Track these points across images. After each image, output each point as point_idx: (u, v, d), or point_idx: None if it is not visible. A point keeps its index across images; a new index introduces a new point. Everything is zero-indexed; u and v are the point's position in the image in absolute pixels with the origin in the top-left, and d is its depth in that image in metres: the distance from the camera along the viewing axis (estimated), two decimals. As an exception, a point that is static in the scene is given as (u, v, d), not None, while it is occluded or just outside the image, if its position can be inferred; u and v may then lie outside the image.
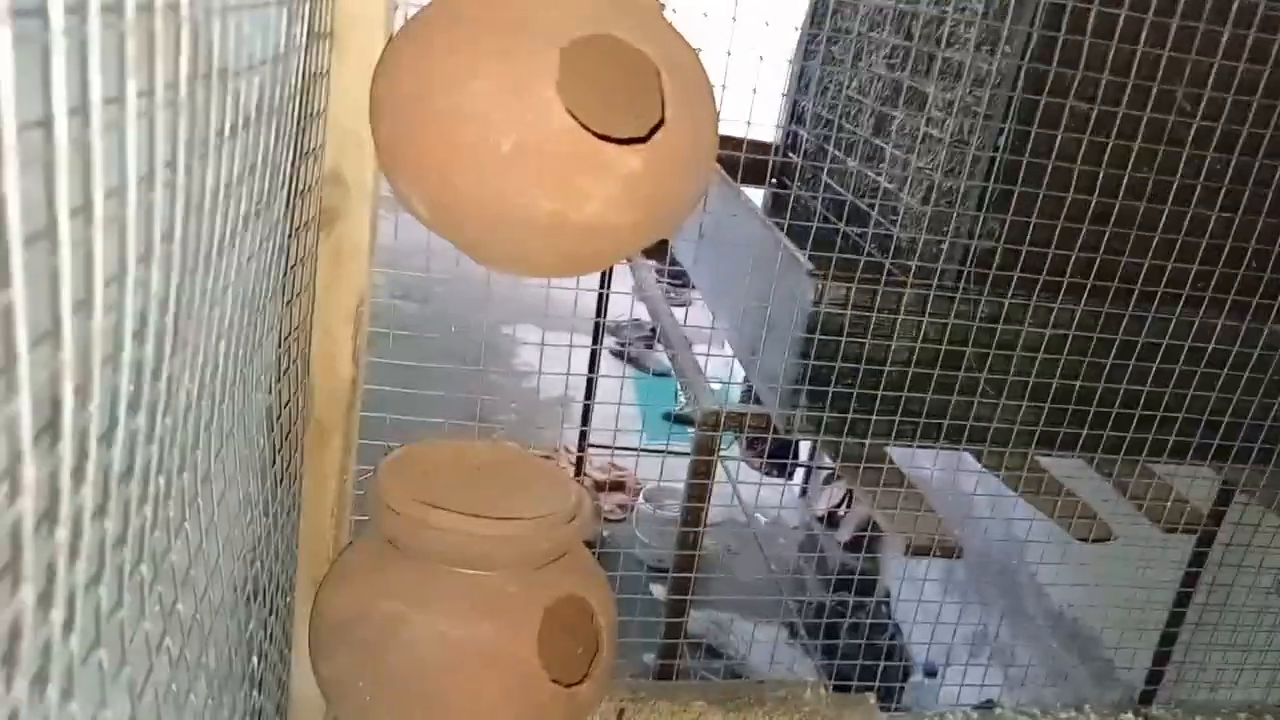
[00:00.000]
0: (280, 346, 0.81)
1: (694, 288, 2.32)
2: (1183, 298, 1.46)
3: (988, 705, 2.63)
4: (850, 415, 1.49)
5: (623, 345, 4.27)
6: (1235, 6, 1.28)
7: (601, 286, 2.60)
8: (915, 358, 1.46)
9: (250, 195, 0.63)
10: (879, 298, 1.42)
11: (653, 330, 4.52)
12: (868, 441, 1.53)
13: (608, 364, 4.09)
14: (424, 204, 0.75)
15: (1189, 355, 1.51)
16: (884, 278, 1.45)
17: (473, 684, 0.85)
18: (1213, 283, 1.47)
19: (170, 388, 0.52)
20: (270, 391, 0.79)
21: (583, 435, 3.13)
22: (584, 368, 3.12)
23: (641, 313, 4.90)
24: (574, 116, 0.69)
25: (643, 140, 0.71)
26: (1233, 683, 1.82)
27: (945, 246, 1.46)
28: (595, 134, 0.70)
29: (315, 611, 0.92)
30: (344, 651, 0.87)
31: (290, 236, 0.78)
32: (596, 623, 0.95)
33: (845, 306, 1.41)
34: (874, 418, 1.48)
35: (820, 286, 1.42)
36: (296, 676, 1.03)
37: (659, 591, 2.66)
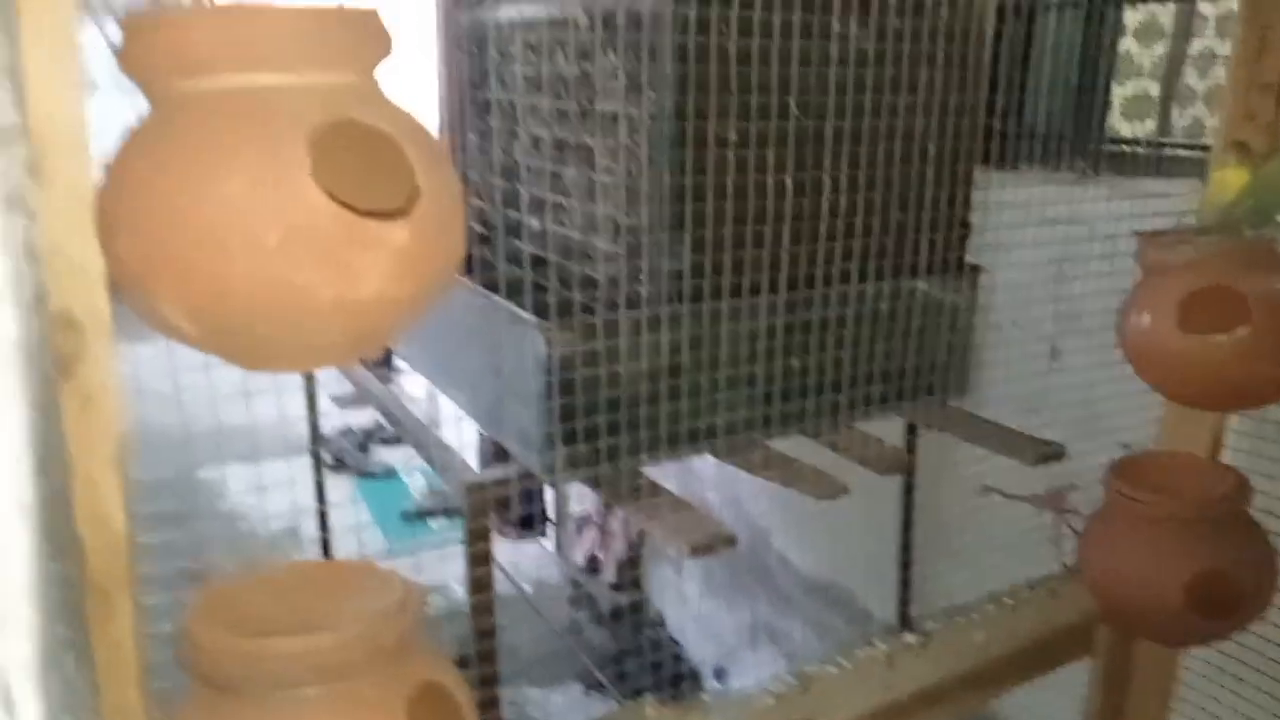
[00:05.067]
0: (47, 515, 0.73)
1: (394, 370, 2.29)
2: (837, 275, 1.72)
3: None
4: (604, 444, 1.57)
5: (339, 457, 4.08)
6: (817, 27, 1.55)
7: (310, 409, 2.48)
8: (647, 380, 1.58)
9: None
10: (602, 335, 1.52)
11: (366, 434, 4.38)
12: (625, 466, 1.62)
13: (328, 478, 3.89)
14: (190, 319, 0.72)
15: (856, 321, 1.77)
16: (600, 316, 1.56)
17: (354, 798, 0.81)
18: (857, 258, 1.75)
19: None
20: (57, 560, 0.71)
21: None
22: (301, 493, 2.95)
23: (349, 419, 4.75)
24: (334, 199, 0.71)
25: (404, 212, 0.75)
26: (964, 586, 2.12)
27: (643, 278, 1.60)
28: (358, 212, 0.72)
29: (146, 797, 0.83)
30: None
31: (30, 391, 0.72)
32: (455, 701, 0.94)
33: (577, 356, 1.50)
34: (625, 439, 1.58)
35: (550, 337, 1.50)
36: None
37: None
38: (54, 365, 0.77)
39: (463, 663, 1.88)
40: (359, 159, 0.75)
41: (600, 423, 1.54)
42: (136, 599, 0.86)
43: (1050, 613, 1.82)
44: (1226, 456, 1.88)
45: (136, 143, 0.73)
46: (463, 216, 0.82)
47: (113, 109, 0.88)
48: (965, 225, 1.86)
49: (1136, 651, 1.98)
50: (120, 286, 0.76)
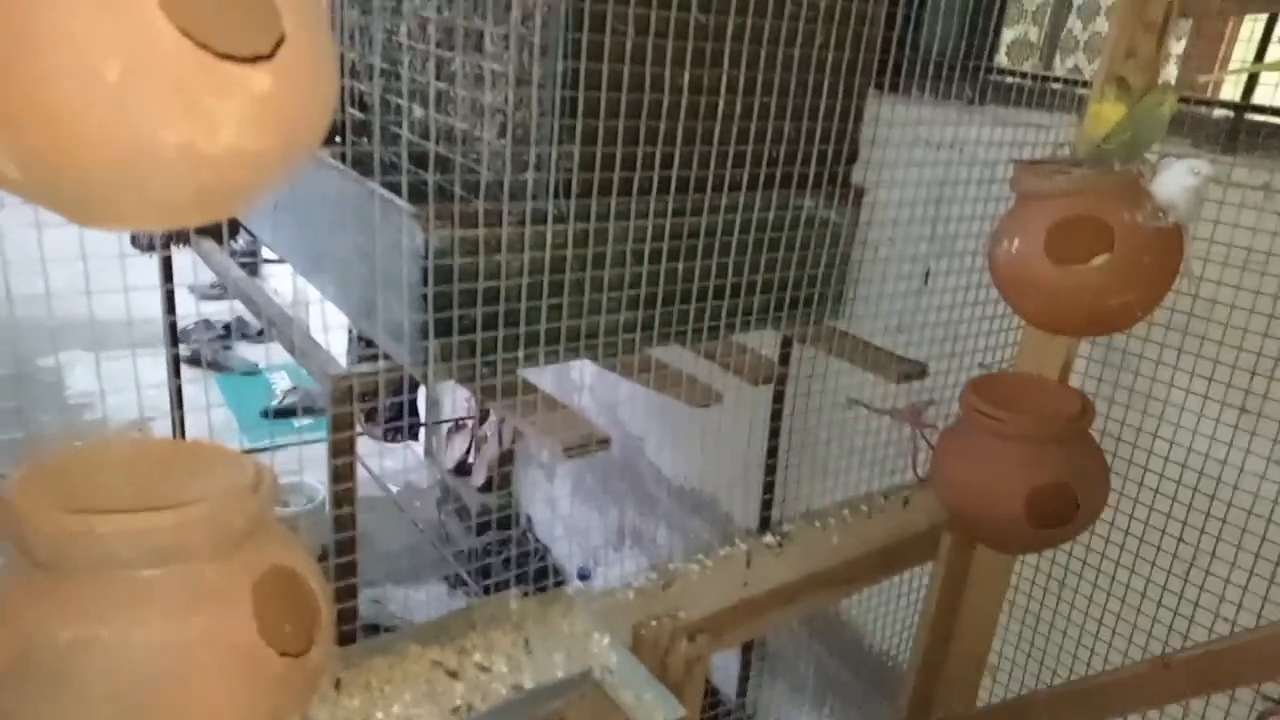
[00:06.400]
0: None
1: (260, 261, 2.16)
2: (726, 181, 1.69)
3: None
4: (480, 339, 1.53)
5: (195, 349, 3.87)
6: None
7: (166, 281, 2.33)
8: (527, 276, 1.54)
9: None
10: (482, 224, 1.46)
11: (226, 328, 4.15)
12: (500, 366, 1.58)
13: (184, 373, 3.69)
14: (13, 159, 0.64)
15: (741, 230, 1.76)
16: (481, 204, 1.49)
17: (197, 683, 0.77)
18: (747, 170, 1.73)
19: None
20: None
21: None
22: (153, 382, 2.79)
23: (209, 311, 4.48)
24: (187, 35, 0.63)
25: (267, 57, 0.68)
26: (825, 494, 2.21)
27: (529, 178, 1.53)
28: (214, 53, 0.65)
29: (-39, 678, 0.76)
30: (17, 698, 0.74)
31: None
32: (307, 587, 0.90)
33: (455, 245, 1.43)
34: (502, 335, 1.54)
35: (426, 224, 1.43)
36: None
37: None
38: None
39: (322, 556, 1.84)
40: (217, -6, 0.67)
41: (476, 317, 1.50)
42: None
43: (901, 519, 1.91)
44: (1075, 380, 1.99)
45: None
46: (334, 71, 0.76)
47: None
48: (854, 143, 1.86)
49: (975, 557, 2.11)
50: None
